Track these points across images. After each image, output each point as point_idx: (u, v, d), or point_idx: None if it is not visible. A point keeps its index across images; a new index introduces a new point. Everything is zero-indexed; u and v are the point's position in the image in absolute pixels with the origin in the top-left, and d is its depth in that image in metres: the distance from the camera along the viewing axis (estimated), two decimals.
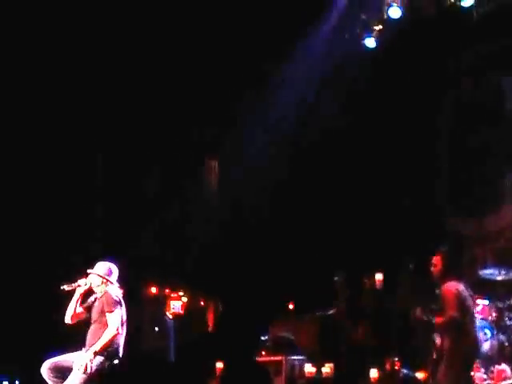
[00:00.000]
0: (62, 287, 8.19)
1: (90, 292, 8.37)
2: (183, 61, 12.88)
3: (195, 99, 13.23)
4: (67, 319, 8.32)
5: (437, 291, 9.88)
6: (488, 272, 10.79)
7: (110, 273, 8.29)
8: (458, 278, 8.45)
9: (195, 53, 12.79)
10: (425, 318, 8.40)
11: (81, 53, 12.29)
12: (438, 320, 8.50)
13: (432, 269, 8.62)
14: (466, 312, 8.20)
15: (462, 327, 8.05)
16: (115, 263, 8.42)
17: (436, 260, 8.57)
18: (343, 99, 12.79)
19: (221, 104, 13.13)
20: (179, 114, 13.37)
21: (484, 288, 10.81)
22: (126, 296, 8.85)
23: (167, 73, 12.93)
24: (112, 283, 8.27)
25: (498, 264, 11.05)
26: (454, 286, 8.46)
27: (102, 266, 8.31)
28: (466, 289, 8.37)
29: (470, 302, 8.38)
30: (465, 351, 8.08)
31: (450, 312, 8.19)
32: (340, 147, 13.29)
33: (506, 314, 10.18)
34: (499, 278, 10.55)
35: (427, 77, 13.70)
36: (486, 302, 10.51)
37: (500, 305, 10.28)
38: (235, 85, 12.81)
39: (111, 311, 8.03)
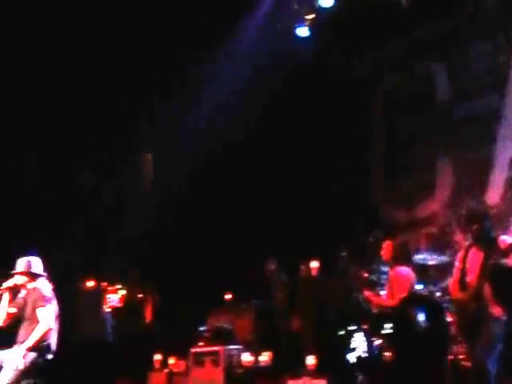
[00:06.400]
0: None
1: (19, 291, 8.27)
2: (114, 54, 12.77)
3: (127, 92, 13.15)
4: (0, 322, 8.19)
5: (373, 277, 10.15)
6: (421, 257, 10.95)
7: (30, 266, 8.17)
8: (408, 264, 8.76)
9: (126, 46, 12.71)
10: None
11: (10, 52, 12.09)
12: (385, 302, 8.77)
13: (382, 253, 8.91)
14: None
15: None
16: (40, 257, 8.32)
17: (386, 245, 8.88)
18: (277, 86, 12.82)
19: (152, 96, 13.09)
20: (112, 107, 13.28)
21: (417, 272, 11.01)
22: (63, 290, 8.77)
23: (99, 68, 12.81)
24: (37, 277, 8.16)
25: (430, 249, 11.25)
26: (406, 271, 8.75)
27: (21, 263, 8.20)
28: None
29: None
30: None
31: (401, 295, 8.46)
32: (272, 134, 13.33)
33: (438, 297, 10.36)
34: (431, 263, 10.71)
35: (361, 65, 13.84)
36: (421, 287, 10.71)
37: (432, 288, 10.46)
38: (166, 78, 12.78)
39: (42, 306, 7.94)
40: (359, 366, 8.71)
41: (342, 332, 9.00)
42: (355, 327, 8.89)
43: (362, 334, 8.84)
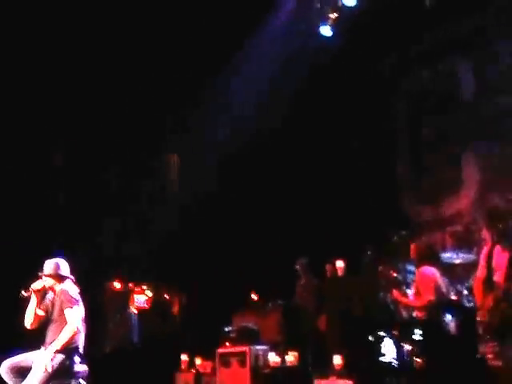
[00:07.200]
0: (20, 294, 8.12)
1: (46, 293, 8.31)
2: (142, 55, 12.84)
3: (155, 95, 13.23)
4: (27, 324, 8.21)
5: (399, 276, 10.13)
6: (447, 255, 10.89)
7: (58, 268, 8.20)
8: (433, 264, 8.74)
9: (154, 47, 12.77)
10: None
11: (42, 47, 12.19)
12: (413, 302, 8.79)
13: (411, 253, 8.96)
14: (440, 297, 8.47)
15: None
16: (67, 259, 8.36)
17: (413, 246, 8.93)
18: (300, 86, 12.81)
19: (179, 100, 13.15)
20: (140, 108, 13.35)
21: (443, 271, 10.94)
22: (90, 291, 8.81)
23: (128, 68, 12.89)
24: (65, 279, 8.20)
25: (457, 247, 11.18)
26: (430, 271, 8.76)
27: (49, 265, 8.23)
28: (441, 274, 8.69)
29: (444, 288, 8.67)
30: None
31: (427, 296, 8.45)
32: (297, 134, 13.34)
33: (465, 296, 10.29)
34: (457, 261, 10.65)
35: (385, 64, 13.79)
36: None
37: (459, 287, 10.38)
38: (192, 82, 12.84)
39: (70, 307, 7.98)
40: (389, 372, 8.67)
41: (371, 338, 8.95)
42: (384, 333, 8.84)
43: (392, 339, 8.79)
